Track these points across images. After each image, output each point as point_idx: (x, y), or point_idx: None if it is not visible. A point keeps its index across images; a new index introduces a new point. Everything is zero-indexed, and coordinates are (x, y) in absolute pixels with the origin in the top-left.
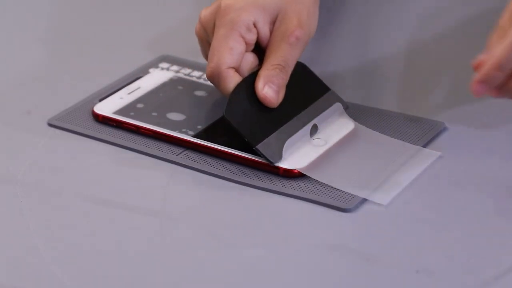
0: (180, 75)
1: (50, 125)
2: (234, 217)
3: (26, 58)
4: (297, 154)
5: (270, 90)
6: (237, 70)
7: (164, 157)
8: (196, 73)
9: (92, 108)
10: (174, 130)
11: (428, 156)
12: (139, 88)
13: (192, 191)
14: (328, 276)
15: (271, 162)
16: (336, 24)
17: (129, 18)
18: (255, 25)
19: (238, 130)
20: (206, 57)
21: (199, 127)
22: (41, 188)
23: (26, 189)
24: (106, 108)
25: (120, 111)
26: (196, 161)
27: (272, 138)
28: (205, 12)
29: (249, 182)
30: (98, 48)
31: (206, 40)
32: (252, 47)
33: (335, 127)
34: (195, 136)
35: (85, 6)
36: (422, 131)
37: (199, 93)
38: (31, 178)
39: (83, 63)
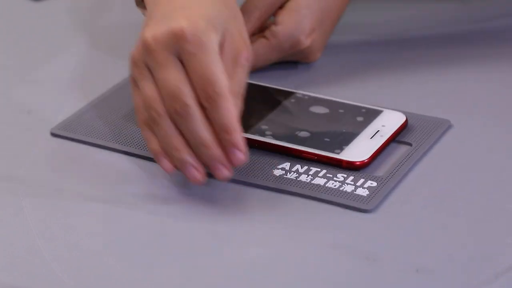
0: None
1: (54, 134)
2: (236, 215)
3: (27, 58)
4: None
5: None
6: None
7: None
8: None
9: None
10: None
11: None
12: None
13: (193, 190)
14: (328, 275)
15: None
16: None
17: (130, 20)
18: None
19: None
20: (137, 108)
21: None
22: (41, 188)
23: (27, 188)
24: None
25: None
26: None
27: None
28: (136, 51)
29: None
30: (98, 49)
31: (146, 79)
32: None
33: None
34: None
35: (86, 9)
36: (428, 130)
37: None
38: (32, 177)
39: (84, 64)
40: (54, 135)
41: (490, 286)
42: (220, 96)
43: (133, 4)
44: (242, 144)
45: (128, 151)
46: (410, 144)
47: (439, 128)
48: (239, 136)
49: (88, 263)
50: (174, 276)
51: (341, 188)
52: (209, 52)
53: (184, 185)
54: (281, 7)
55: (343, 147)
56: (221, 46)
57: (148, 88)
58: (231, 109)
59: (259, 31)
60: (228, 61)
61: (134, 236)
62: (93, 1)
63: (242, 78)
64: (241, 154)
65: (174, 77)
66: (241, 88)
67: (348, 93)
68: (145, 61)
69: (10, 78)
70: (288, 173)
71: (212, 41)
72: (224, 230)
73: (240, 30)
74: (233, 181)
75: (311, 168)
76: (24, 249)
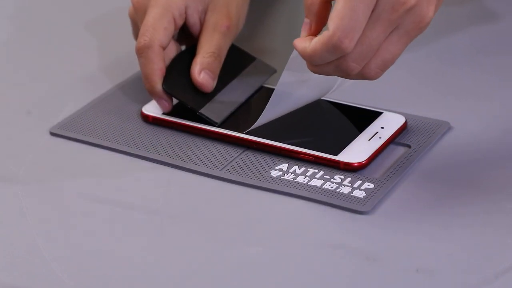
0: None
1: (53, 134)
2: (234, 216)
3: (26, 57)
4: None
5: (206, 76)
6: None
7: (208, 172)
8: None
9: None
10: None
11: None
12: None
13: (192, 191)
14: (328, 275)
15: (215, 123)
16: None
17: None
18: (185, 11)
19: (180, 99)
20: (136, 37)
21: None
22: (41, 188)
23: (27, 188)
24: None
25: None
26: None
27: (213, 102)
28: None
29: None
30: (98, 49)
31: (137, 23)
32: (177, 32)
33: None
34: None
35: (85, 8)
36: (427, 131)
37: None
38: (32, 177)
39: (83, 64)
40: (53, 134)
41: (490, 286)
42: (146, 44)
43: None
44: (164, 94)
45: (128, 151)
46: (409, 146)
47: (439, 130)
48: (158, 87)
49: (88, 263)
50: (174, 276)
51: (338, 190)
52: (161, 8)
53: (184, 186)
54: None
55: (341, 148)
56: (204, 13)
57: None
58: (154, 60)
59: None
60: (208, 26)
61: (134, 236)
62: (92, 2)
63: (220, 41)
64: (163, 102)
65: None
66: (217, 49)
67: (347, 95)
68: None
69: (10, 78)
70: (286, 174)
71: (172, 2)
72: (222, 231)
73: (227, 4)
74: (231, 181)
75: (308, 169)
76: (24, 249)
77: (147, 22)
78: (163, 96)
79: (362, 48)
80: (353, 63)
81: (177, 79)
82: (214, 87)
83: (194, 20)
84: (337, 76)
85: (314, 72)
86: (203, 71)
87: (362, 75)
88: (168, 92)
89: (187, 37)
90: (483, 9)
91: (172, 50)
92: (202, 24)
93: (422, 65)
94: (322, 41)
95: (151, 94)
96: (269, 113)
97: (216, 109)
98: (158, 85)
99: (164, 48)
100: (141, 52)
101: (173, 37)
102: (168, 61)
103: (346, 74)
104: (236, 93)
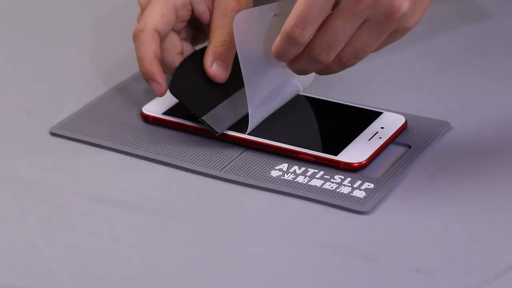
0: None
1: (53, 134)
2: (234, 216)
3: (26, 57)
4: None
5: (219, 67)
6: (161, 38)
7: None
8: None
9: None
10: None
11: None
12: None
13: (192, 191)
14: (328, 275)
15: (216, 132)
16: None
17: (130, 21)
18: (191, 4)
19: (184, 103)
20: None
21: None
22: (41, 188)
23: (27, 188)
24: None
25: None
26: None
27: (218, 110)
28: None
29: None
30: (98, 49)
31: None
32: (183, 24)
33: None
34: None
35: (85, 9)
36: (427, 131)
37: None
38: (31, 177)
39: (83, 64)
40: (53, 134)
41: (490, 286)
42: (140, 28)
43: (132, 8)
44: (157, 76)
45: (128, 151)
46: (409, 146)
47: (439, 130)
48: (150, 68)
49: (88, 263)
50: (174, 276)
51: (338, 190)
52: (155, 2)
53: (184, 186)
54: None
55: (341, 148)
56: (212, 1)
57: None
58: (146, 42)
59: None
60: (217, 12)
61: (134, 236)
62: (92, 3)
63: (231, 28)
64: (156, 84)
65: None
66: (229, 37)
67: (348, 95)
68: None
69: (10, 78)
70: (286, 174)
71: None
72: (222, 231)
73: None
74: (231, 181)
75: (308, 169)
76: (24, 249)
77: (146, 11)
78: (156, 78)
79: (327, 37)
80: (321, 51)
81: (184, 82)
82: (227, 77)
83: (201, 9)
84: (316, 70)
85: (296, 72)
86: (215, 63)
87: (340, 64)
88: (173, 94)
89: (200, 30)
90: (483, 10)
91: (177, 43)
92: (211, 12)
93: (422, 65)
94: (281, 32)
95: (144, 77)
96: (257, 112)
97: (219, 118)
98: (150, 66)
99: (160, 34)
100: (135, 36)
101: (179, 30)
102: (167, 51)
103: (320, 62)
104: (242, 102)
